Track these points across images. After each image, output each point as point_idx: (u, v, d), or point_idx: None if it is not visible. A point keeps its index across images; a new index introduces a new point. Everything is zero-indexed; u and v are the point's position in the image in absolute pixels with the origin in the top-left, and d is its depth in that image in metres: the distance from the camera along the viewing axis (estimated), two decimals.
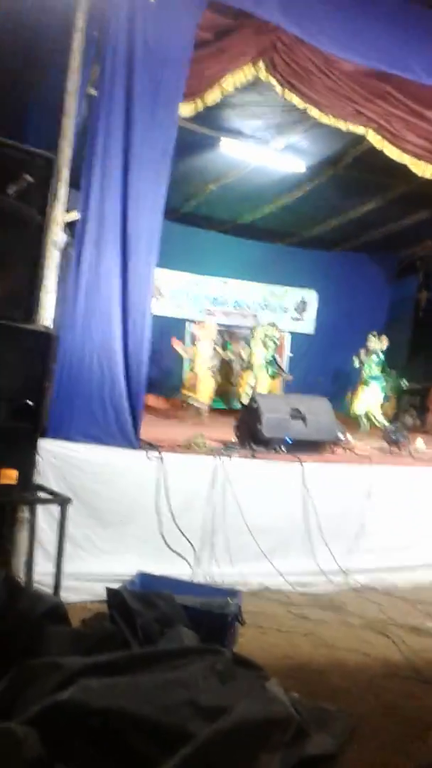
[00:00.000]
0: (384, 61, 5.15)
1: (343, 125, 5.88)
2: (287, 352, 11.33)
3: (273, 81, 5.45)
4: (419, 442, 6.52)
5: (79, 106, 4.60)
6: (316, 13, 4.83)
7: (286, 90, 5.50)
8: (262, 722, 2.37)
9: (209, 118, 6.73)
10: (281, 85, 5.46)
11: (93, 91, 4.69)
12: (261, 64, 5.32)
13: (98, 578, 4.21)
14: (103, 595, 3.90)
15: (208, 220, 10.56)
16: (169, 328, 10.28)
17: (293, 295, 11.70)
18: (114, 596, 3.27)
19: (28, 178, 3.43)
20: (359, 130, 5.95)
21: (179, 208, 9.63)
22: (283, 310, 11.64)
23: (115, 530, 4.48)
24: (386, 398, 11.60)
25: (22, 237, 3.50)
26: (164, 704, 2.33)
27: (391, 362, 12.03)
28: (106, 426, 4.55)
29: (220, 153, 7.80)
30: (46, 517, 4.13)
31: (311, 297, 11.73)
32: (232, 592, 3.95)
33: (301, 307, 11.67)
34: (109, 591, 3.40)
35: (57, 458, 4.33)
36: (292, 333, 11.49)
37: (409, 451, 6.10)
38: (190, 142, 6.98)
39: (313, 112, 5.74)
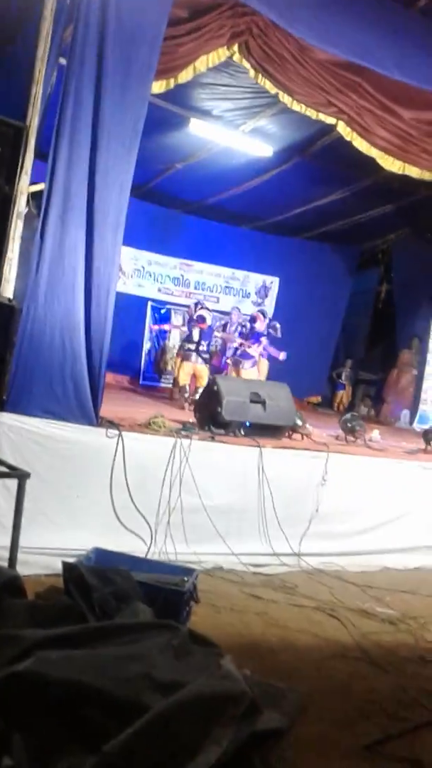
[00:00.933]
0: (357, 54, 5.17)
1: (314, 114, 5.93)
2: None
3: (247, 65, 5.44)
4: (375, 433, 6.66)
5: (48, 75, 4.50)
6: (293, 0, 4.82)
7: (260, 75, 5.50)
8: (216, 697, 2.42)
9: (179, 96, 6.70)
10: (255, 69, 5.46)
11: (63, 60, 4.59)
12: (236, 47, 5.30)
13: (52, 552, 4.20)
14: (57, 569, 3.91)
15: (172, 199, 10.52)
16: (129, 307, 10.24)
17: (255, 279, 11.75)
18: (70, 570, 3.27)
19: None
20: (330, 120, 6.00)
21: (144, 185, 9.55)
22: (244, 294, 11.69)
23: (71, 505, 4.46)
24: (342, 387, 11.83)
25: None
26: (120, 677, 2.36)
27: (348, 352, 12.27)
28: (66, 402, 4.50)
29: (188, 132, 7.76)
30: (2, 491, 4.09)
31: (273, 282, 11.79)
32: (188, 570, 3.99)
33: (263, 291, 11.73)
34: (66, 565, 3.40)
35: (14, 432, 4.28)
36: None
37: (364, 441, 6.22)
38: (159, 119, 6.92)
39: (285, 98, 5.77)
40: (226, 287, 11.64)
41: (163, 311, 11.07)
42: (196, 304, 9.39)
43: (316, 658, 3.64)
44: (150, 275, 11.06)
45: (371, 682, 3.46)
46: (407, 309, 11.58)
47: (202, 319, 8.74)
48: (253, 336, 9.04)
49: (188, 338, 8.76)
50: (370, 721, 3.07)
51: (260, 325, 9.04)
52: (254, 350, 8.91)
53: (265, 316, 9.37)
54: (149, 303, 10.93)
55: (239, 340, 9.25)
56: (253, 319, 9.21)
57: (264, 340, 9.03)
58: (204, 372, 8.51)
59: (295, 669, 3.47)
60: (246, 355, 8.89)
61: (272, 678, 3.20)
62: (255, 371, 8.93)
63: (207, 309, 9.16)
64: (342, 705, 3.17)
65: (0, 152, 3.39)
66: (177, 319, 11.02)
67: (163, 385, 10.78)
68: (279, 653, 3.64)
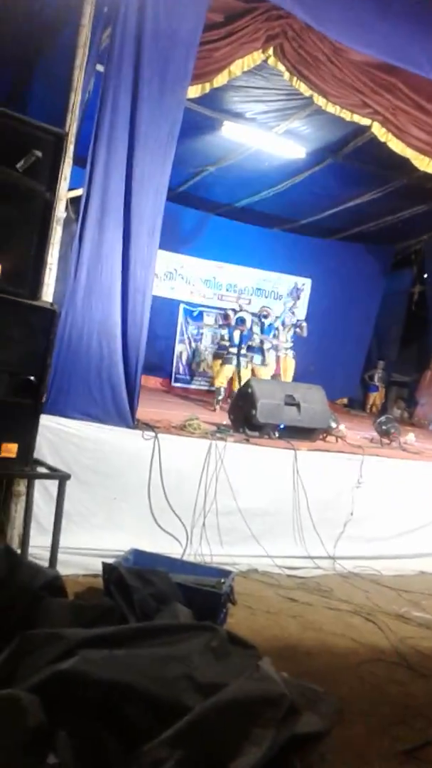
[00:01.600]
0: (392, 54, 5.14)
1: (348, 115, 5.91)
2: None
3: (281, 67, 5.45)
4: (410, 436, 6.61)
5: (86, 82, 4.56)
6: (326, 2, 4.81)
7: (294, 77, 5.51)
8: (255, 699, 2.42)
9: (212, 99, 6.71)
10: (290, 72, 5.47)
11: (100, 67, 4.66)
12: (270, 50, 5.32)
13: (90, 553, 4.29)
14: (95, 570, 3.98)
15: (204, 201, 10.54)
16: (161, 309, 10.30)
17: (287, 281, 11.72)
18: (111, 571, 3.32)
19: (38, 153, 3.40)
20: (365, 121, 5.97)
21: (177, 188, 9.59)
22: (276, 296, 11.67)
23: (109, 507, 4.53)
24: (375, 389, 11.74)
25: (28, 213, 3.48)
26: (162, 678, 2.38)
27: (381, 354, 12.17)
28: (103, 404, 4.58)
29: (221, 135, 7.78)
30: (41, 491, 4.16)
31: (305, 284, 11.75)
32: (224, 572, 4.02)
33: (295, 293, 11.69)
34: (106, 566, 3.45)
35: (53, 434, 4.36)
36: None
37: (399, 443, 6.18)
38: (192, 123, 6.94)
39: (320, 100, 5.77)
40: (258, 289, 11.62)
41: (195, 313, 11.10)
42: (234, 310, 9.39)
43: (352, 662, 3.64)
44: (182, 277, 11.10)
45: (408, 687, 3.44)
46: None
47: (241, 321, 8.76)
48: (264, 332, 9.09)
49: (230, 341, 8.77)
50: (407, 726, 3.06)
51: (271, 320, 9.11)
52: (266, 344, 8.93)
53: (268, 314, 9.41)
54: (181, 305, 10.97)
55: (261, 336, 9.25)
56: (265, 315, 9.23)
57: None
58: (246, 375, 8.41)
59: (332, 672, 3.47)
60: (255, 350, 8.90)
61: (309, 681, 3.20)
62: (270, 369, 8.93)
63: (246, 311, 9.17)
64: (379, 709, 3.16)
65: (41, 159, 3.42)
66: (209, 320, 11.05)
67: (194, 386, 10.82)
68: (315, 656, 3.65)
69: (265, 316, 9.23)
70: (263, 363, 8.88)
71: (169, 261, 10.73)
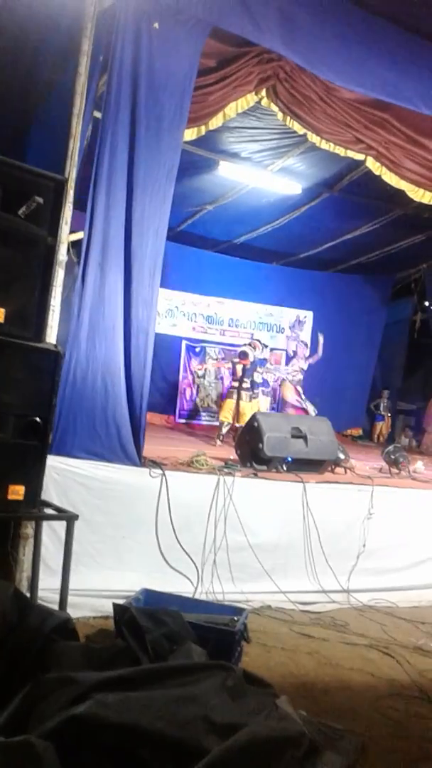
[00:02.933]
0: (383, 91, 5.25)
1: (342, 151, 6.02)
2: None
3: (275, 108, 5.58)
4: (419, 464, 6.58)
5: (84, 129, 4.67)
6: (316, 43, 4.93)
7: (288, 117, 5.63)
8: (275, 739, 2.38)
9: (208, 140, 6.85)
10: (283, 112, 5.59)
11: (98, 114, 4.77)
12: (263, 92, 5.45)
13: (100, 594, 4.24)
14: (105, 611, 3.94)
15: (204, 239, 10.69)
16: (164, 346, 10.39)
17: (289, 314, 11.81)
18: (122, 612, 3.28)
19: (39, 199, 3.47)
20: (359, 156, 6.08)
21: (176, 227, 9.75)
22: (279, 330, 11.74)
23: (117, 546, 4.49)
24: (381, 418, 11.73)
25: (31, 257, 3.53)
26: (178, 720, 2.34)
27: (385, 383, 12.20)
28: (109, 443, 4.58)
29: (217, 175, 7.92)
30: (48, 533, 4.14)
31: (307, 317, 11.83)
32: (237, 610, 3.97)
33: (297, 326, 11.77)
34: (117, 607, 3.41)
35: (60, 474, 4.35)
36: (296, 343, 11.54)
37: (408, 472, 6.14)
38: (189, 163, 7.09)
39: (313, 138, 5.88)
40: (260, 323, 11.71)
41: (197, 349, 11.17)
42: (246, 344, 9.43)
43: (371, 697, 3.57)
44: (184, 314, 11.19)
45: (430, 721, 3.37)
46: None
47: (244, 355, 8.79)
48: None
49: (232, 376, 8.81)
50: (430, 762, 2.98)
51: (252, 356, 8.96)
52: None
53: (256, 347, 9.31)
54: (183, 342, 11.04)
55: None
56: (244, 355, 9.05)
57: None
58: (248, 409, 8.37)
59: (351, 709, 3.40)
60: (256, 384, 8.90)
61: (328, 719, 3.15)
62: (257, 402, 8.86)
63: (250, 345, 9.19)
64: (401, 745, 3.09)
65: (42, 204, 3.49)
66: (212, 356, 11.12)
67: (199, 422, 10.83)
68: (333, 693, 3.57)
69: (245, 356, 9.07)
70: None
71: (170, 298, 10.84)
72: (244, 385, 8.62)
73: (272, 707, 2.54)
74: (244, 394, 8.56)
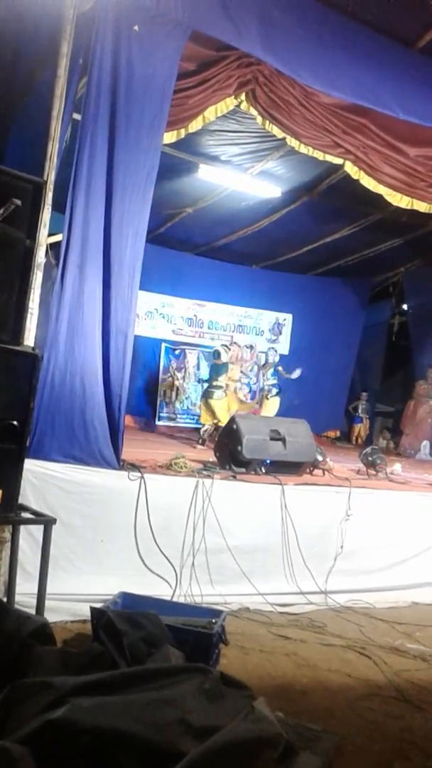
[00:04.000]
0: (361, 96, 5.31)
1: (321, 156, 6.07)
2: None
3: (254, 112, 5.61)
4: (396, 466, 6.64)
5: (63, 131, 4.66)
6: (295, 48, 4.97)
7: (267, 121, 5.66)
8: (252, 741, 2.39)
9: (188, 143, 6.86)
10: (262, 116, 5.62)
11: (77, 116, 4.76)
12: (243, 96, 5.47)
13: (78, 598, 4.22)
14: (83, 615, 3.93)
15: (184, 242, 10.70)
16: (143, 349, 10.38)
17: (268, 317, 11.86)
18: (99, 616, 3.28)
19: (17, 202, 3.46)
20: (337, 160, 6.14)
21: (156, 229, 9.73)
22: (258, 332, 11.78)
23: (96, 550, 4.47)
24: (360, 420, 11.82)
25: (9, 260, 3.52)
26: (155, 723, 2.35)
27: (364, 385, 12.29)
28: (87, 446, 4.56)
29: (197, 177, 7.93)
30: (26, 537, 4.11)
31: (286, 319, 11.89)
32: (215, 612, 3.98)
33: (277, 329, 11.83)
34: (94, 610, 3.40)
35: (37, 478, 4.32)
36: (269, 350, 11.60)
37: (386, 474, 6.20)
38: (168, 166, 7.08)
39: (292, 142, 5.92)
40: (240, 326, 11.73)
41: (177, 351, 11.17)
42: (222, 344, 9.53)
43: (348, 698, 3.59)
44: (163, 317, 11.18)
45: (407, 721, 3.40)
46: (421, 340, 11.61)
47: (216, 354, 8.86)
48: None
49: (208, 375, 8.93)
50: (407, 761, 3.02)
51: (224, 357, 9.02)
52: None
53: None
54: (163, 344, 11.03)
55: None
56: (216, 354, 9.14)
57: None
58: (216, 405, 8.55)
59: (328, 710, 3.42)
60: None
61: (305, 720, 3.17)
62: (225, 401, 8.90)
63: (226, 345, 9.24)
64: (378, 745, 3.11)
65: (20, 207, 3.47)
66: (192, 358, 11.12)
67: (178, 425, 10.82)
68: (311, 694, 3.59)
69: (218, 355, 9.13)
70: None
71: (150, 301, 10.82)
72: (214, 383, 8.72)
73: (249, 709, 2.55)
74: (214, 392, 8.65)
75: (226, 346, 9.24)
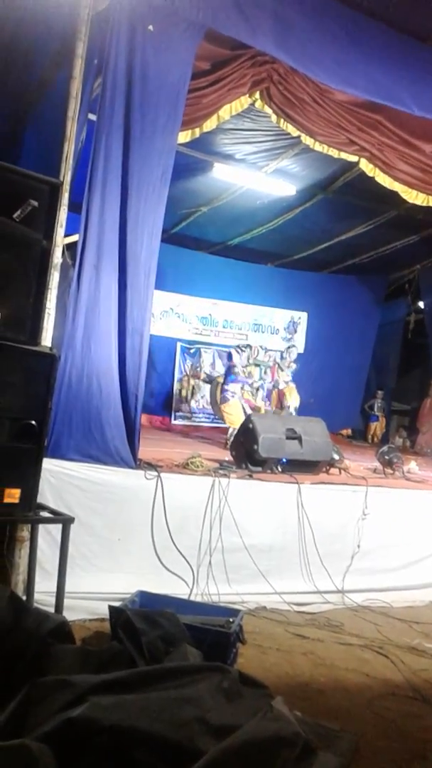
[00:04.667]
0: (376, 93, 5.27)
1: (336, 153, 6.05)
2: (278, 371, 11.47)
3: (268, 110, 5.59)
4: (413, 465, 6.61)
5: (78, 131, 4.68)
6: (309, 45, 4.94)
7: (281, 119, 5.65)
8: (270, 740, 2.39)
9: (202, 142, 6.85)
10: (277, 114, 5.61)
11: (92, 116, 4.78)
12: (257, 94, 5.46)
13: (95, 597, 4.25)
14: (101, 614, 3.95)
15: (198, 241, 10.70)
16: (159, 348, 10.40)
17: (283, 315, 11.83)
18: (118, 615, 3.29)
19: (33, 203, 3.48)
20: (352, 158, 6.11)
21: (170, 229, 9.74)
22: (273, 331, 11.76)
23: (113, 549, 4.50)
24: (375, 418, 11.76)
25: (26, 260, 3.54)
26: (173, 721, 2.36)
27: (380, 383, 12.23)
28: (105, 446, 4.59)
29: (212, 176, 7.92)
30: (44, 535, 4.14)
31: (301, 318, 11.86)
32: (233, 611, 3.98)
33: (292, 327, 11.80)
34: (112, 609, 3.42)
35: (55, 477, 4.36)
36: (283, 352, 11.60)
37: (402, 473, 6.17)
38: (183, 166, 7.10)
39: (307, 140, 5.90)
40: (255, 324, 11.71)
41: (192, 351, 11.18)
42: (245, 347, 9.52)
43: (366, 697, 3.58)
44: (179, 316, 11.19)
45: (425, 721, 3.39)
46: None
47: (229, 357, 8.84)
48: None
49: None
50: (425, 761, 3.01)
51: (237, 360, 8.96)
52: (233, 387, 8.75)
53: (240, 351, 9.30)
54: (178, 343, 11.05)
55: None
56: (229, 356, 9.15)
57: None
58: (227, 409, 8.51)
59: (346, 709, 3.42)
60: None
61: (323, 719, 3.17)
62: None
63: (239, 348, 9.20)
64: (396, 745, 3.10)
65: (37, 208, 3.49)
66: (208, 357, 11.13)
67: (194, 423, 10.84)
68: (328, 694, 3.59)
69: (230, 357, 9.14)
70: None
71: (165, 300, 10.83)
72: (226, 387, 8.69)
73: (268, 708, 2.55)
74: (227, 397, 8.60)
75: (240, 347, 9.18)
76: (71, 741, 2.22)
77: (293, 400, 9.76)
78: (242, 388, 8.89)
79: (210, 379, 10.40)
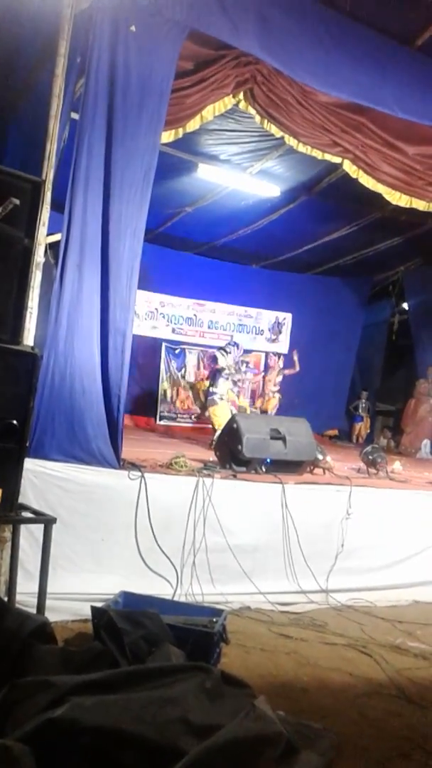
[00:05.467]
0: (359, 95, 5.30)
1: (319, 154, 6.07)
2: (262, 372, 11.52)
3: (252, 111, 5.60)
4: (397, 465, 6.64)
5: (61, 130, 4.65)
6: (293, 47, 4.96)
7: (265, 120, 5.66)
8: (253, 739, 2.39)
9: (186, 142, 6.85)
10: (260, 115, 5.62)
11: (75, 115, 4.76)
12: (241, 95, 5.47)
13: (78, 598, 4.21)
14: (84, 615, 3.92)
15: (183, 241, 10.70)
16: (144, 348, 10.38)
17: (268, 316, 11.86)
18: (100, 615, 3.27)
19: (15, 201, 3.46)
20: (335, 159, 6.14)
21: (156, 229, 9.74)
22: (258, 332, 11.79)
23: (96, 549, 4.47)
24: (360, 419, 11.82)
25: (8, 259, 3.53)
26: (155, 722, 2.35)
27: (364, 384, 12.30)
28: (87, 446, 4.56)
29: (196, 177, 7.93)
30: (26, 536, 4.11)
31: (286, 319, 11.89)
32: (216, 611, 3.97)
33: (276, 328, 11.83)
34: (95, 610, 3.40)
35: (37, 477, 4.32)
36: (267, 353, 11.63)
37: (386, 472, 6.19)
38: (167, 166, 7.09)
39: (291, 141, 5.92)
40: (240, 325, 11.74)
41: (177, 351, 11.17)
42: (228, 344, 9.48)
43: (350, 696, 3.59)
44: (163, 316, 11.19)
45: (408, 719, 3.39)
46: (423, 339, 11.62)
47: (213, 359, 8.81)
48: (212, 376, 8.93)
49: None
50: (408, 759, 3.01)
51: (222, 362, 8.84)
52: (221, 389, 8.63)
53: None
54: (163, 344, 11.04)
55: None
56: (213, 359, 9.13)
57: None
58: (213, 411, 8.42)
59: (330, 708, 3.41)
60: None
61: (306, 718, 3.16)
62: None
63: (223, 349, 9.09)
64: (379, 744, 3.11)
65: (19, 206, 3.48)
66: (192, 358, 11.13)
67: (179, 424, 10.83)
68: (312, 693, 3.59)
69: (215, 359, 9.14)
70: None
71: (150, 301, 10.83)
72: (212, 389, 8.53)
73: (250, 708, 2.55)
74: (214, 399, 8.45)
75: (224, 349, 9.08)
76: (52, 741, 2.20)
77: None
78: (231, 390, 8.85)
79: (191, 385, 10.43)
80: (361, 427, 11.92)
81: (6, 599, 3.80)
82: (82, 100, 4.58)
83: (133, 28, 4.57)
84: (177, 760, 2.22)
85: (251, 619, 4.58)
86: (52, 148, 4.49)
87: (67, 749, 2.18)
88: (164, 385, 11.00)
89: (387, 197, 6.53)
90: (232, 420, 5.54)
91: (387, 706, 3.52)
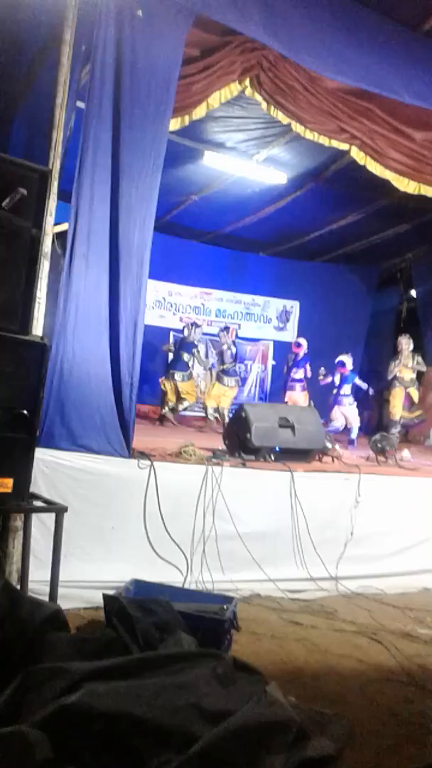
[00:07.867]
0: (366, 81, 5.24)
1: (326, 141, 6.02)
2: (270, 360, 11.50)
3: (259, 97, 5.55)
4: (405, 452, 6.63)
5: (67, 119, 4.63)
6: (299, 32, 4.91)
7: (272, 106, 5.61)
8: (264, 725, 2.41)
9: (192, 130, 6.83)
10: (267, 102, 5.57)
11: (81, 104, 4.74)
12: (247, 81, 5.42)
13: (90, 585, 4.24)
14: (95, 602, 3.95)
15: (190, 230, 10.67)
16: (151, 337, 10.37)
17: (275, 304, 11.83)
18: (112, 603, 3.30)
19: (23, 191, 3.45)
20: (343, 146, 6.08)
21: (162, 217, 9.71)
22: (265, 320, 11.76)
23: (107, 538, 4.50)
24: (371, 406, 11.79)
25: (16, 249, 3.52)
26: (168, 707, 2.37)
27: (372, 371, 12.24)
28: (97, 435, 4.57)
29: (202, 165, 7.90)
30: (37, 525, 4.14)
31: (294, 307, 11.86)
32: (227, 599, 4.00)
33: (284, 316, 11.80)
34: (107, 597, 3.43)
35: (48, 466, 4.34)
36: (275, 341, 11.61)
37: (395, 460, 6.19)
38: (173, 153, 7.05)
39: (298, 128, 5.86)
40: (247, 314, 11.72)
41: None
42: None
43: (360, 683, 3.61)
44: (171, 305, 11.18)
45: (418, 705, 3.41)
46: (431, 326, 11.55)
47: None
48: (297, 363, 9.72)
49: None
50: (419, 745, 3.03)
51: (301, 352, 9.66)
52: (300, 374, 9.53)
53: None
54: (171, 333, 11.03)
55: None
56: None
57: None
58: (182, 389, 9.25)
59: (340, 695, 3.44)
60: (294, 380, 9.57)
61: (317, 705, 3.18)
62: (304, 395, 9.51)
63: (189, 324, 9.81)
64: (390, 730, 3.13)
65: (26, 196, 3.47)
66: (200, 347, 11.12)
67: (187, 413, 10.83)
68: (322, 679, 3.61)
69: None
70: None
71: (157, 289, 10.82)
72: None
73: (262, 694, 2.57)
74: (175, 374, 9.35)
75: (189, 325, 9.79)
76: (66, 727, 2.23)
77: None
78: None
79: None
80: (370, 416, 11.89)
81: (18, 587, 3.83)
82: (87, 88, 4.55)
83: (139, 12, 4.53)
84: (190, 745, 2.25)
85: (261, 606, 4.61)
86: (58, 138, 4.47)
87: (81, 735, 2.20)
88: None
89: (395, 184, 6.47)
90: (241, 409, 5.54)
91: (397, 692, 3.54)
